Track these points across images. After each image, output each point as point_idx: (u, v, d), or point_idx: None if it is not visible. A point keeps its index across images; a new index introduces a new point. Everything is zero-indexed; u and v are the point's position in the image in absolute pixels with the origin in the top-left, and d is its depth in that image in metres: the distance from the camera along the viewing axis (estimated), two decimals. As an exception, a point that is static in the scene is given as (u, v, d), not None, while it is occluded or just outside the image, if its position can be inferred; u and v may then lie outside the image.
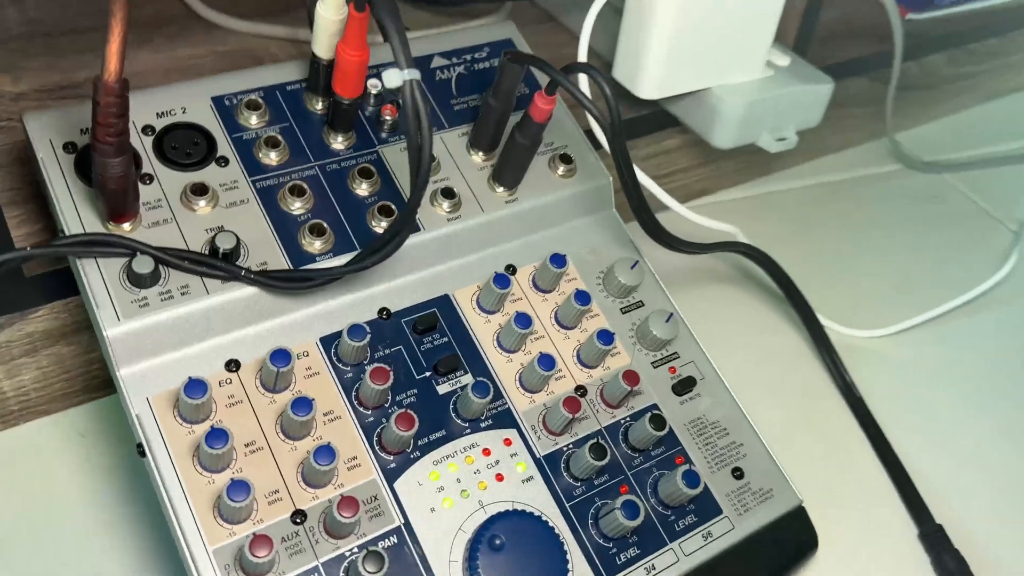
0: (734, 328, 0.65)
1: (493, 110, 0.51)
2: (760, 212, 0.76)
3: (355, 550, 0.42)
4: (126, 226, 0.44)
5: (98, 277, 0.43)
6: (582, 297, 0.50)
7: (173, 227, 0.45)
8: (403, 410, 0.44)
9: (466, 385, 0.46)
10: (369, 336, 0.46)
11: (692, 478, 0.47)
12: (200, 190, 0.46)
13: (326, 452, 0.42)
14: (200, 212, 0.46)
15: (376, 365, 0.45)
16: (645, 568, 0.46)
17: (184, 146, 0.48)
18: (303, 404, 0.43)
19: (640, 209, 0.52)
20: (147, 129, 0.47)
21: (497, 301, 0.50)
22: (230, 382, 0.44)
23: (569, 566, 0.45)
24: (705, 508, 0.49)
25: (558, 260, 0.51)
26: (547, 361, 0.48)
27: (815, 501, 0.51)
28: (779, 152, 0.67)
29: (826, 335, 0.63)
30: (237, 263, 0.45)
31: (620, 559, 0.46)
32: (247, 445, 0.43)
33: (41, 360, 0.50)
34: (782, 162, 0.79)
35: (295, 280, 0.46)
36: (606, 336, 0.49)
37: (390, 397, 0.47)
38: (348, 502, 0.41)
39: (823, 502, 0.52)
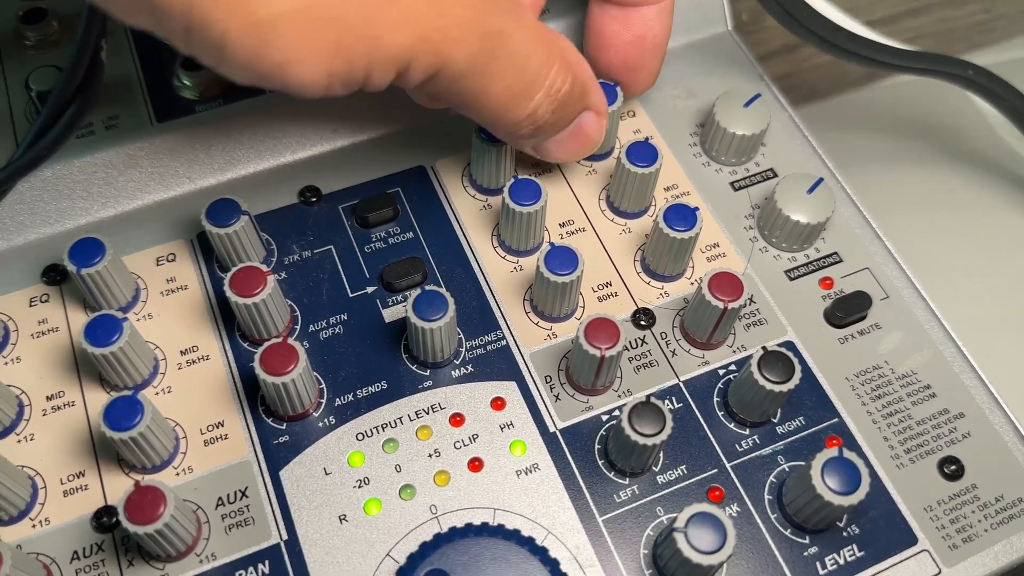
0: (941, 212, 0.39)
1: None
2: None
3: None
4: None
5: None
6: (645, 153, 0.28)
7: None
8: (294, 343, 0.25)
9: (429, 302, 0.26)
10: (242, 219, 0.27)
11: (849, 473, 0.24)
12: None
13: (129, 408, 0.23)
14: None
15: (254, 267, 0.26)
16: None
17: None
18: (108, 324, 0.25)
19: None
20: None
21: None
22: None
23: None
24: (881, 532, 0.25)
25: (610, 92, 0.30)
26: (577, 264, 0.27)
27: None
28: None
29: None
30: None
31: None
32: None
33: None
34: None
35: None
36: (690, 218, 0.27)
37: (297, 323, 0.28)
38: (153, 496, 0.22)
39: None
